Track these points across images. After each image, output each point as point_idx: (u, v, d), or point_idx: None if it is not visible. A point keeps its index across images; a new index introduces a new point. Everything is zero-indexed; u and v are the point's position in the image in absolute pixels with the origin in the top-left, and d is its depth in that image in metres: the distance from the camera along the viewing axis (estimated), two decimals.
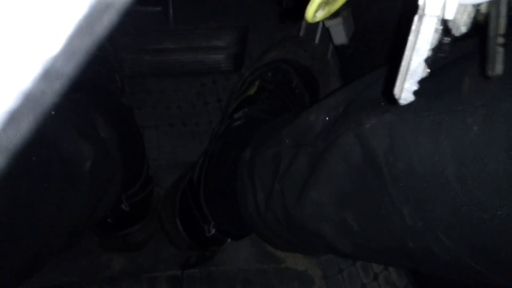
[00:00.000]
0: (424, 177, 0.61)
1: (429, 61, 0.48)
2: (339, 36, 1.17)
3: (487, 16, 0.47)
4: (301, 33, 1.22)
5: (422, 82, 0.59)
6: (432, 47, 0.47)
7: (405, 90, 0.49)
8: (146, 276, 1.19)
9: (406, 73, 0.48)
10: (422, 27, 0.45)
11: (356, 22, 1.17)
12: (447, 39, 0.49)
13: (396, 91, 0.50)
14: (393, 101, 0.51)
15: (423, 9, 0.45)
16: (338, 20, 1.15)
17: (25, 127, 0.22)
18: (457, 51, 0.63)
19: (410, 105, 0.61)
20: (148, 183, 1.20)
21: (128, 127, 1.14)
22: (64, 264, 1.16)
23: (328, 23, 1.16)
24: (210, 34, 1.26)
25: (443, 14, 0.45)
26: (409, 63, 0.47)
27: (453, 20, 0.46)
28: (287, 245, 1.01)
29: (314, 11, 0.49)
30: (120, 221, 1.18)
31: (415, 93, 0.50)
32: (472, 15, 0.49)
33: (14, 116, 0.21)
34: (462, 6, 0.46)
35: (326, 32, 1.19)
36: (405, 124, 0.63)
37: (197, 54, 1.26)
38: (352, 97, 0.79)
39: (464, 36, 0.50)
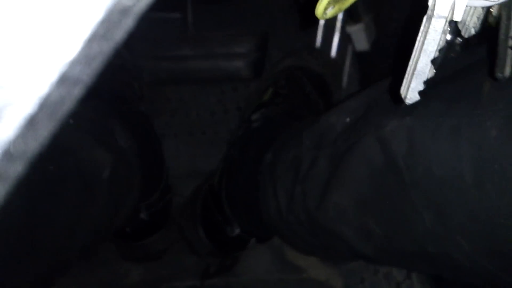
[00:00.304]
0: (443, 181, 0.62)
1: (438, 61, 0.48)
2: (361, 42, 1.17)
3: (498, 18, 0.48)
4: (318, 40, 1.23)
5: (441, 86, 0.59)
6: (440, 48, 0.48)
7: (411, 89, 0.51)
8: (165, 286, 1.20)
9: (413, 73, 0.49)
10: (431, 28, 0.47)
11: (378, 28, 1.17)
12: (458, 40, 0.50)
13: (403, 90, 0.51)
14: (399, 100, 0.52)
15: (432, 10, 0.46)
16: (360, 26, 1.16)
17: (44, 133, 0.23)
18: (477, 55, 0.63)
19: (430, 109, 0.62)
20: (167, 192, 1.21)
21: (146, 135, 1.15)
22: (81, 275, 1.17)
23: (349, 29, 1.17)
24: (230, 41, 1.27)
25: (452, 15, 0.46)
26: (416, 63, 0.48)
27: (462, 22, 0.47)
28: (309, 247, 1.01)
29: (323, 8, 0.50)
30: (138, 231, 1.19)
31: (421, 93, 0.50)
32: (481, 17, 0.50)
33: (32, 122, 0.22)
34: (471, 8, 0.47)
35: (343, 39, 1.20)
36: (424, 128, 0.64)
37: (217, 61, 1.27)
38: (373, 99, 0.80)
39: (481, 40, 0.51)
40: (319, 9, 0.50)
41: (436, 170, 0.62)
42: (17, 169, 0.22)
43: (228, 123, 1.29)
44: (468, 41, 0.52)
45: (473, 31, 0.50)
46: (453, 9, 0.45)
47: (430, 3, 0.46)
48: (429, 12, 0.46)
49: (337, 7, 0.51)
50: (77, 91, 0.24)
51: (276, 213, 0.94)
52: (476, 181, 0.58)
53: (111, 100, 1.08)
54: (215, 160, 1.20)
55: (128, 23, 0.25)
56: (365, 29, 1.15)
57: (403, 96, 0.52)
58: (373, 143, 0.72)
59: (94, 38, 0.23)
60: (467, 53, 0.67)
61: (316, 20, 1.28)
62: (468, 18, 0.48)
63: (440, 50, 0.48)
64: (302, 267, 1.16)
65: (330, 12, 0.51)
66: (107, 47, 0.25)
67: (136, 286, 1.20)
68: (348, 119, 0.83)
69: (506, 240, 0.59)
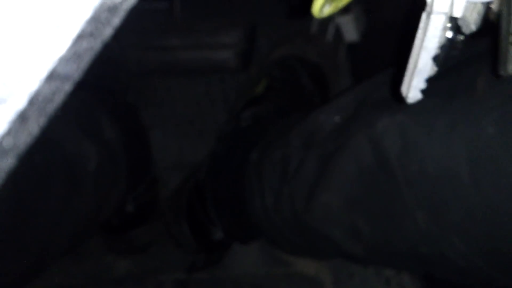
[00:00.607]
0: (438, 180, 0.62)
1: (440, 59, 0.49)
2: (350, 33, 1.18)
3: (498, 14, 0.48)
4: (313, 29, 1.23)
5: (435, 82, 0.60)
6: (440, 45, 0.48)
7: (413, 88, 0.50)
8: (152, 279, 1.20)
9: (413, 71, 0.49)
10: (430, 25, 0.46)
11: (369, 19, 1.18)
12: (460, 36, 0.50)
13: (403, 89, 0.51)
14: (400, 99, 0.52)
15: (431, 6, 0.46)
16: (349, 16, 1.16)
17: (34, 128, 0.24)
18: (470, 51, 0.64)
19: (423, 106, 0.61)
20: (153, 184, 1.21)
21: (133, 127, 1.15)
22: (68, 266, 1.17)
23: (338, 20, 1.17)
24: (217, 31, 1.26)
25: (452, 11, 0.46)
26: (416, 61, 0.48)
27: (463, 18, 0.47)
28: (296, 249, 1.01)
29: (320, 6, 0.50)
30: (124, 223, 1.19)
31: (423, 91, 0.51)
32: (482, 13, 0.50)
33: (23, 117, 0.23)
34: (471, 4, 0.47)
35: (338, 27, 1.20)
36: (418, 126, 0.64)
37: (204, 51, 1.26)
38: (364, 97, 0.80)
39: (476, 35, 0.51)
40: (316, 7, 0.50)
41: (430, 168, 0.62)
42: (8, 163, 0.23)
43: (215, 115, 1.29)
44: (469, 38, 0.52)
45: (473, 28, 0.50)
46: (452, 5, 0.45)
47: None
48: (428, 8, 0.46)
49: (334, 4, 0.51)
50: (66, 87, 0.25)
51: (262, 214, 0.93)
52: (473, 179, 0.58)
53: (98, 91, 1.08)
54: (202, 151, 1.20)
55: (116, 21, 0.26)
56: (354, 20, 1.16)
57: (404, 95, 0.51)
58: (363, 141, 0.71)
59: (83, 35, 0.24)
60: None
61: (306, 9, 1.28)
62: (468, 14, 0.48)
63: (442, 47, 0.47)
64: (290, 261, 1.16)
65: (327, 10, 0.51)
66: (95, 44, 0.26)
67: (122, 279, 1.20)
68: (337, 118, 0.82)
69: (503, 239, 0.59)
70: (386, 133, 0.68)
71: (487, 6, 0.50)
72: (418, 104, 0.62)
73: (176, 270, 1.20)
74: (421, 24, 0.48)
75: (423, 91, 0.51)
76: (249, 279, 1.17)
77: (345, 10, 1.17)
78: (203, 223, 1.12)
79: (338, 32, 1.21)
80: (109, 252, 1.23)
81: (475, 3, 0.48)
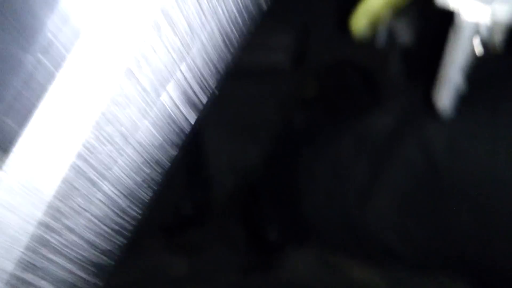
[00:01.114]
0: (482, 184, 0.65)
1: (468, 71, 0.51)
2: (404, 36, 1.17)
3: None
4: (364, 33, 1.22)
5: (479, 94, 0.62)
6: (468, 57, 0.50)
7: (443, 97, 0.53)
8: (207, 280, 1.23)
9: (444, 81, 0.52)
10: (459, 38, 0.49)
11: (423, 22, 1.17)
12: (484, 49, 0.52)
13: (435, 96, 0.54)
14: (432, 106, 0.55)
15: (460, 20, 0.48)
16: (404, 20, 1.15)
17: None
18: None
19: (469, 115, 0.64)
20: (207, 186, 1.24)
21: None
22: (124, 261, 1.21)
23: (392, 23, 1.17)
24: (270, 33, 1.26)
25: (478, 28, 0.48)
26: (446, 72, 0.51)
27: (488, 35, 0.50)
28: (346, 249, 1.04)
29: (362, 26, 0.53)
30: (180, 224, 1.23)
31: (452, 99, 0.53)
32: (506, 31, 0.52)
33: None
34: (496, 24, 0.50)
35: (390, 31, 1.19)
36: (464, 132, 0.66)
37: (255, 53, 1.26)
38: (414, 101, 0.81)
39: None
40: (357, 29, 0.52)
41: (475, 173, 0.65)
42: None
43: (267, 117, 1.29)
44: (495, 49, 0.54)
45: (498, 46, 0.52)
46: (479, 21, 0.47)
47: (457, 13, 0.49)
48: (457, 21, 0.49)
49: (373, 25, 0.53)
50: None
51: (314, 213, 0.96)
52: None
53: None
54: (254, 153, 1.22)
55: None
56: (409, 24, 1.15)
57: (435, 100, 0.54)
58: (413, 145, 0.74)
59: None
60: (504, 57, 0.68)
61: None
62: (493, 33, 0.50)
63: (470, 61, 0.50)
64: (344, 267, 1.18)
65: (366, 30, 0.53)
66: None
67: (178, 280, 1.23)
68: (389, 121, 0.85)
69: None
70: (434, 138, 0.70)
71: None
72: (464, 113, 0.64)
73: (231, 272, 1.23)
74: (451, 36, 0.50)
75: (453, 99, 0.54)
76: (303, 284, 1.20)
77: (400, 13, 1.16)
78: (258, 224, 1.15)
79: (391, 36, 1.20)
80: (166, 252, 1.26)
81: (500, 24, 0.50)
